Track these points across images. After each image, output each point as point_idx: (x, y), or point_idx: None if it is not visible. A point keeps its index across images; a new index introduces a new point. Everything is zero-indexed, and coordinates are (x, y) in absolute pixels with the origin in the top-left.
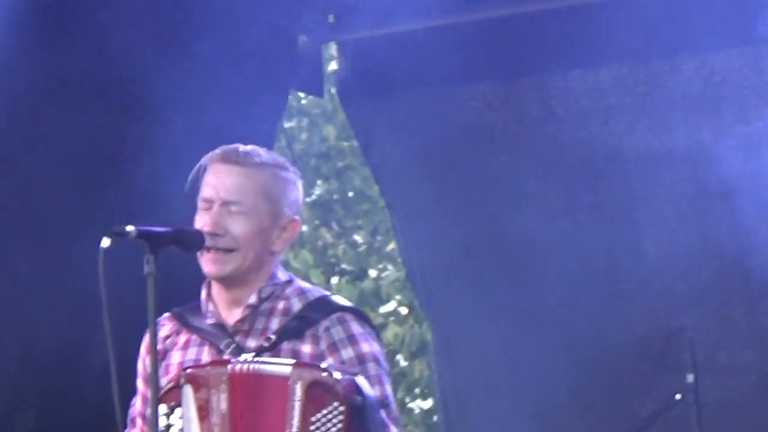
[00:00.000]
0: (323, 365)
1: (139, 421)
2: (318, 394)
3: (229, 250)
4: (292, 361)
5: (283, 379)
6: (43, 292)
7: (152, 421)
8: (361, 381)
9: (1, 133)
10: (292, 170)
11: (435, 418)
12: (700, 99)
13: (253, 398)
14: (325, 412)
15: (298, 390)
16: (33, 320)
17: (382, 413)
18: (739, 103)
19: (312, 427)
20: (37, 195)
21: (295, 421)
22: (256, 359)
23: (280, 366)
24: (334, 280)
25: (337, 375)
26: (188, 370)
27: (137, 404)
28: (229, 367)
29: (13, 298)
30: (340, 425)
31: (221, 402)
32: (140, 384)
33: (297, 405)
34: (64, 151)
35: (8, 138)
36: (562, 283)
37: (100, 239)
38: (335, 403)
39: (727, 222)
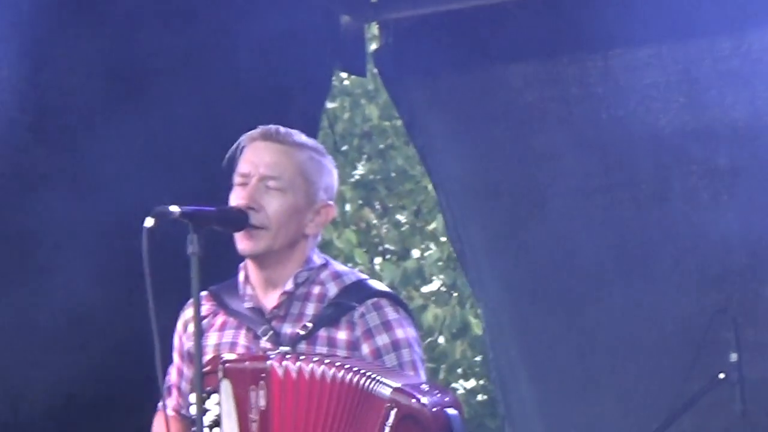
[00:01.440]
0: (421, 399)
1: (174, 392)
2: (410, 425)
3: (260, 227)
4: (387, 381)
5: (380, 401)
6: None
7: (198, 412)
8: (451, 410)
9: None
10: (328, 157)
11: (479, 397)
12: (737, 76)
13: (313, 401)
14: None
15: (392, 417)
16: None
17: None
18: None
19: None
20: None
21: None
22: (289, 352)
23: (380, 384)
24: (378, 260)
25: (431, 407)
26: (227, 364)
27: (173, 375)
28: (269, 363)
29: (58, 273)
30: None
31: (259, 399)
32: (176, 357)
33: (387, 430)
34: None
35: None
36: (601, 262)
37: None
38: None
39: (763, 199)
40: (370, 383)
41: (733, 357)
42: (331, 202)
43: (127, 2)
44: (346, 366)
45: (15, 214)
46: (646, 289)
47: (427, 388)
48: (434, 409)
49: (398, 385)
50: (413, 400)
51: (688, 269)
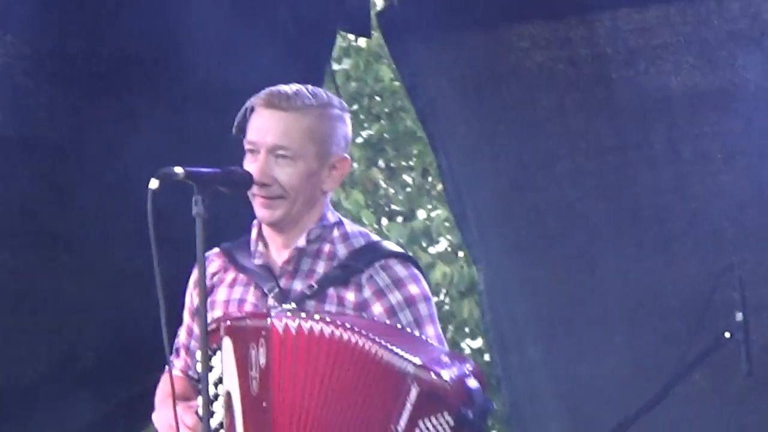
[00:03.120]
0: (443, 374)
1: (182, 352)
2: (432, 403)
3: (277, 197)
4: (411, 356)
5: (402, 376)
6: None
7: (203, 369)
8: (472, 383)
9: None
10: (338, 105)
11: (486, 357)
12: (747, 38)
13: (320, 359)
14: (434, 420)
15: (414, 393)
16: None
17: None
18: None
19: (416, 430)
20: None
21: (403, 421)
22: (293, 310)
23: (399, 358)
24: (385, 221)
25: (454, 383)
26: (229, 322)
27: (182, 336)
28: (269, 320)
29: (71, 242)
30: None
31: (260, 356)
32: (186, 316)
33: (409, 406)
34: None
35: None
36: (612, 222)
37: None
38: (446, 413)
39: None
40: (388, 355)
41: (739, 317)
42: (346, 155)
43: None
44: (355, 328)
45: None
46: (657, 249)
47: (448, 360)
48: (456, 384)
49: (420, 362)
50: (435, 376)
51: (701, 230)
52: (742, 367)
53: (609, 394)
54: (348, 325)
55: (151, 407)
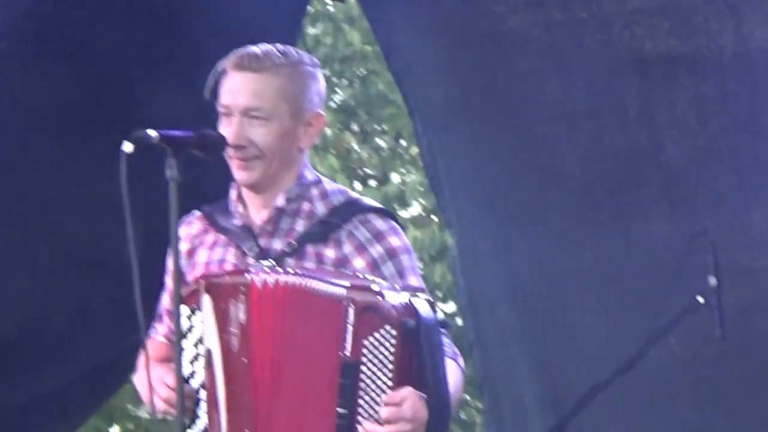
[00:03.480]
0: (375, 287)
1: (165, 318)
2: (371, 317)
3: (253, 158)
4: (340, 280)
5: (339, 302)
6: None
7: (176, 333)
8: (418, 302)
9: None
10: (309, 62)
11: (459, 321)
12: (722, 3)
13: (288, 311)
14: (377, 335)
15: (352, 313)
16: (62, 225)
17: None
18: (762, 10)
19: (364, 350)
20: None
21: (348, 343)
22: (271, 266)
23: (332, 285)
24: (358, 185)
25: (391, 298)
26: (208, 280)
27: (165, 300)
28: (248, 276)
29: (44, 202)
30: (393, 349)
31: (239, 312)
32: (168, 281)
33: (350, 328)
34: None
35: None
36: (586, 185)
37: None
38: (387, 326)
39: (751, 126)
40: (326, 286)
41: (712, 281)
42: (320, 111)
43: None
44: (316, 276)
45: None
46: (632, 214)
47: (385, 284)
48: (392, 297)
49: (350, 284)
50: (366, 291)
51: (675, 194)
52: (715, 332)
53: (582, 357)
54: (299, 272)
55: (125, 370)
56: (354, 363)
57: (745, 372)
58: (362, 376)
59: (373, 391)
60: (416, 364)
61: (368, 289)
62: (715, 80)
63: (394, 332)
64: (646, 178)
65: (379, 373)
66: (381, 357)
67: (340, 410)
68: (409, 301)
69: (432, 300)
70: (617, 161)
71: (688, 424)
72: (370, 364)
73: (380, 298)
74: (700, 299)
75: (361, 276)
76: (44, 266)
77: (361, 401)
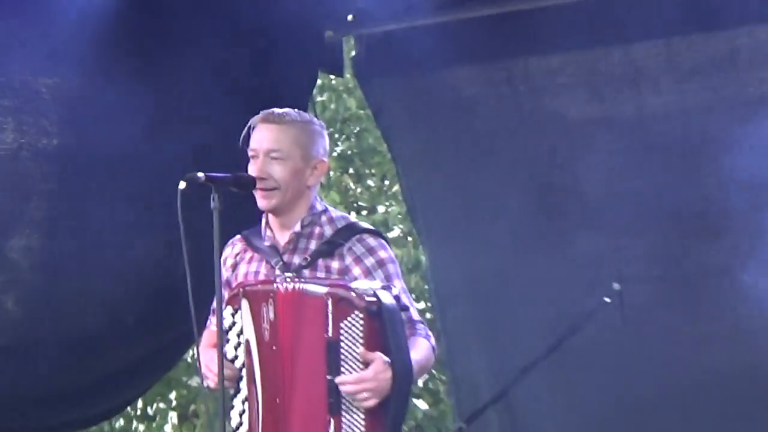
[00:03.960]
0: (352, 284)
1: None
2: (342, 306)
3: (272, 189)
4: (326, 283)
5: (320, 298)
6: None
7: (218, 328)
8: (382, 293)
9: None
10: (317, 123)
11: (429, 315)
12: (626, 78)
13: (296, 310)
14: (348, 319)
15: (329, 305)
16: (129, 246)
17: (406, 314)
18: (656, 83)
19: (341, 332)
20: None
21: (329, 327)
22: (298, 279)
23: (318, 287)
24: (353, 214)
25: (360, 289)
26: (245, 288)
27: (216, 301)
28: (275, 285)
29: (113, 232)
30: (362, 328)
31: (270, 312)
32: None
33: (329, 316)
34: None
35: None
36: (525, 213)
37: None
38: (355, 312)
39: (644, 170)
40: (314, 288)
41: (616, 286)
42: (324, 158)
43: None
44: (309, 281)
45: None
46: (562, 238)
47: (364, 283)
48: (361, 292)
49: (328, 284)
50: (341, 289)
51: (592, 225)
52: (617, 323)
53: (519, 340)
54: (303, 280)
55: (179, 351)
56: (335, 341)
57: (635, 348)
58: (341, 350)
59: (351, 360)
60: (381, 338)
61: (342, 287)
62: (621, 137)
63: (361, 315)
64: (572, 214)
65: (353, 347)
66: (354, 334)
67: (328, 377)
68: (374, 293)
69: (398, 293)
70: (548, 196)
71: (601, 387)
72: (346, 341)
73: (350, 292)
74: (607, 299)
75: (347, 279)
76: (119, 277)
77: (342, 369)
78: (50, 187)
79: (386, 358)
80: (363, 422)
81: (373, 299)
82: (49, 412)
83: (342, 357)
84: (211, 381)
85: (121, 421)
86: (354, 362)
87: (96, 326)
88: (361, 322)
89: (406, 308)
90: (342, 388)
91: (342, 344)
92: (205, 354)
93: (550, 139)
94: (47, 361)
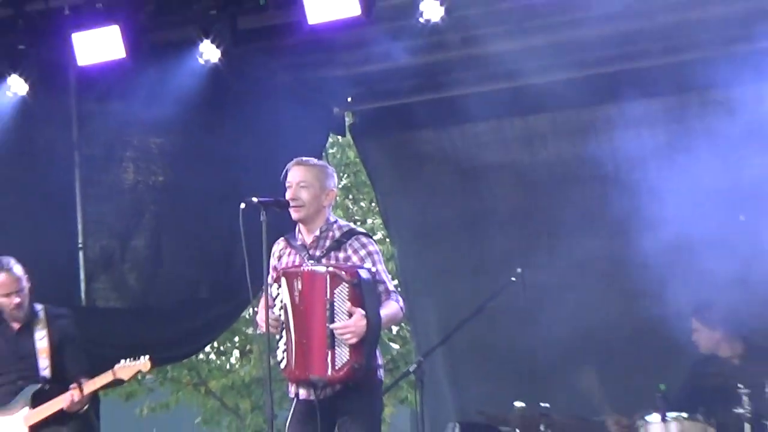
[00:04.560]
0: (345, 266)
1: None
2: (335, 279)
3: (301, 206)
4: (329, 266)
5: (324, 275)
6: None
7: (265, 295)
8: (362, 272)
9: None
10: (331, 169)
11: (400, 289)
12: (534, 131)
13: (311, 284)
14: (339, 287)
15: (327, 279)
16: (206, 245)
17: (380, 287)
18: (558, 135)
19: (334, 296)
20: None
21: (327, 293)
22: (315, 264)
23: (323, 268)
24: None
25: (346, 270)
26: (284, 270)
27: (269, 279)
28: (302, 268)
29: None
30: (347, 293)
31: (299, 285)
32: (271, 270)
33: (328, 286)
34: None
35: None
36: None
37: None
38: (344, 283)
39: (550, 207)
40: (319, 269)
41: (519, 269)
42: (333, 189)
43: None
44: (317, 265)
45: None
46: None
47: (350, 267)
48: (348, 270)
49: (328, 266)
50: (335, 269)
51: (505, 240)
52: (520, 296)
53: (457, 305)
54: (318, 265)
55: (239, 310)
56: (331, 301)
57: (534, 310)
58: (335, 307)
59: (341, 313)
60: (360, 299)
61: (337, 268)
62: (527, 182)
63: (347, 285)
64: (488, 237)
65: (342, 305)
66: (342, 297)
67: (329, 325)
68: (356, 271)
69: (375, 271)
70: (472, 216)
71: (510, 335)
72: (338, 302)
73: (341, 272)
74: (513, 279)
75: (349, 264)
76: (198, 265)
77: (335, 319)
78: (157, 208)
79: (363, 312)
80: (348, 353)
81: (355, 276)
82: (158, 350)
83: (335, 311)
84: (263, 329)
85: (202, 356)
86: (343, 315)
87: (185, 296)
88: (347, 289)
89: (383, 282)
90: (335, 331)
91: (335, 303)
92: (261, 312)
93: (484, 184)
94: (155, 319)
